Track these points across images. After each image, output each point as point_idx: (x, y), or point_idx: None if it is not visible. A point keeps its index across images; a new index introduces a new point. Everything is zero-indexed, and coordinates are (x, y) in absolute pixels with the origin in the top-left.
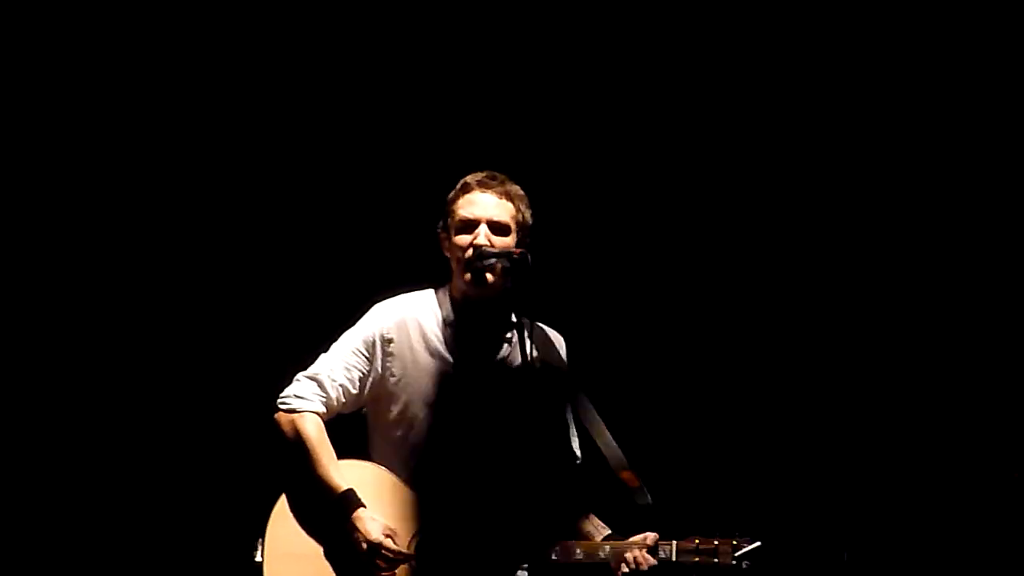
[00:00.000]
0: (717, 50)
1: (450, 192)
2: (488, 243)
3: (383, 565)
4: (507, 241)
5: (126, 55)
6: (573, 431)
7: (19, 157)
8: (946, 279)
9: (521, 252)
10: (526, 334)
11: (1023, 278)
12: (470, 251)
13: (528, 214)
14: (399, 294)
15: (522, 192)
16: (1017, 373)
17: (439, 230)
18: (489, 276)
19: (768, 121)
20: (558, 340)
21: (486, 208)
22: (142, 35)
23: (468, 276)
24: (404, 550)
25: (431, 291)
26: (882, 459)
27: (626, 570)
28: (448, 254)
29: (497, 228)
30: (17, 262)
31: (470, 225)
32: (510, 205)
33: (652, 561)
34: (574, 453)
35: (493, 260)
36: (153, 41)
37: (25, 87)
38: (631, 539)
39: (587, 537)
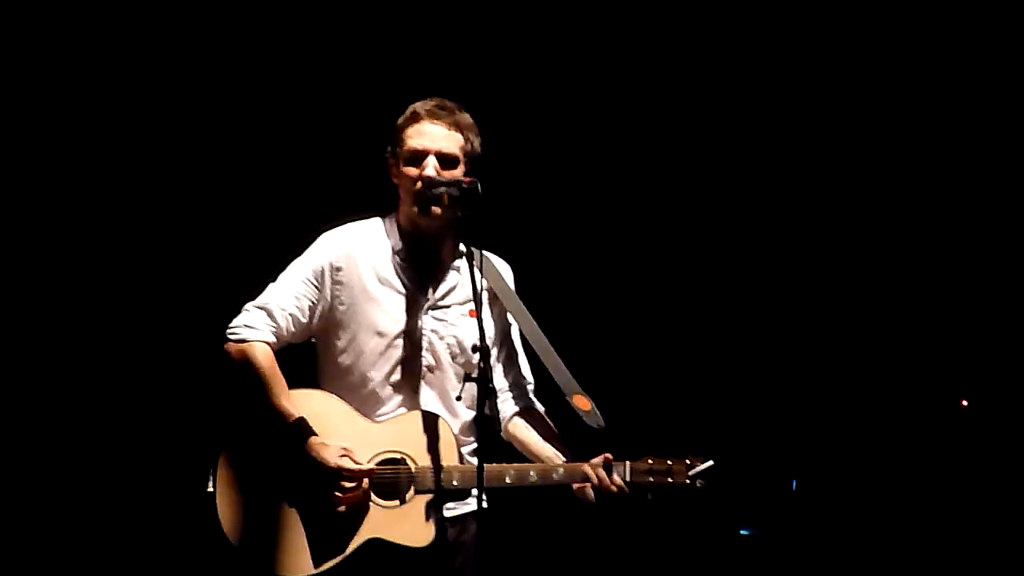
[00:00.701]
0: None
1: (399, 118)
2: (437, 175)
3: (344, 486)
4: (455, 173)
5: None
6: (523, 357)
7: (19, 157)
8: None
9: (471, 182)
10: (476, 263)
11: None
12: (419, 183)
13: (477, 143)
14: (347, 222)
15: (471, 121)
16: (960, 307)
17: (387, 155)
18: (436, 208)
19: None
20: (505, 268)
21: (435, 140)
22: (138, 35)
23: (416, 208)
24: (363, 465)
25: (378, 219)
26: (833, 386)
27: (585, 489)
28: (396, 181)
29: (445, 160)
30: None
31: (419, 156)
32: (459, 137)
33: (607, 481)
34: (524, 378)
35: (442, 189)
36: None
37: (25, 87)
38: (587, 462)
39: (545, 463)
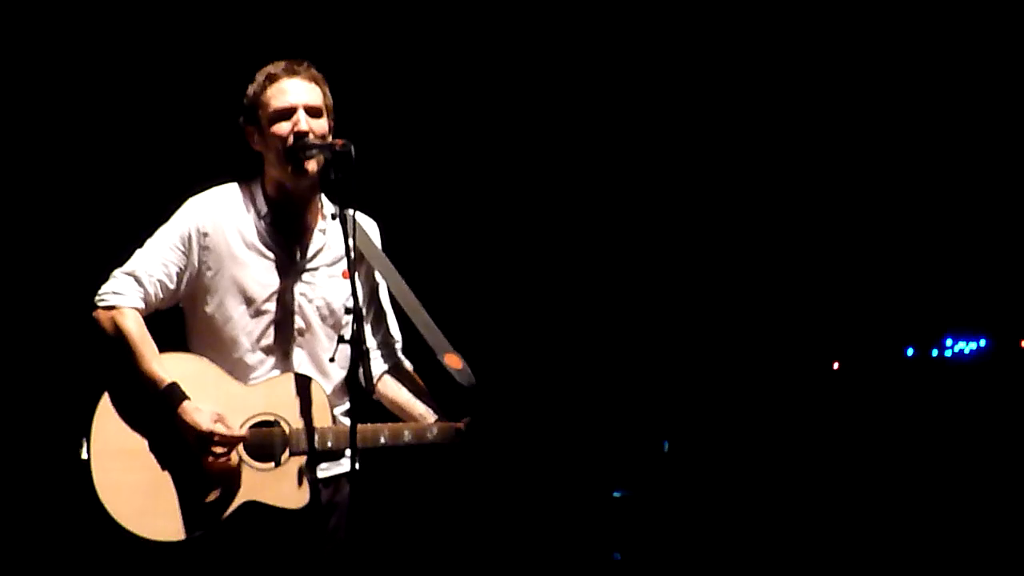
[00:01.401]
0: None
1: (250, 87)
2: (309, 129)
3: (217, 451)
4: (323, 124)
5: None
6: (391, 316)
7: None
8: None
9: (344, 144)
10: (349, 223)
11: None
12: (291, 139)
13: (330, 95)
14: (208, 188)
15: (321, 75)
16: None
17: (245, 125)
18: (310, 165)
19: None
20: (372, 226)
21: (299, 94)
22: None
23: (290, 166)
24: (235, 431)
25: (242, 184)
26: (706, 341)
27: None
28: (259, 148)
29: (312, 111)
30: None
31: (286, 113)
32: (319, 89)
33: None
34: (393, 336)
35: (315, 152)
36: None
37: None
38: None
39: (418, 421)
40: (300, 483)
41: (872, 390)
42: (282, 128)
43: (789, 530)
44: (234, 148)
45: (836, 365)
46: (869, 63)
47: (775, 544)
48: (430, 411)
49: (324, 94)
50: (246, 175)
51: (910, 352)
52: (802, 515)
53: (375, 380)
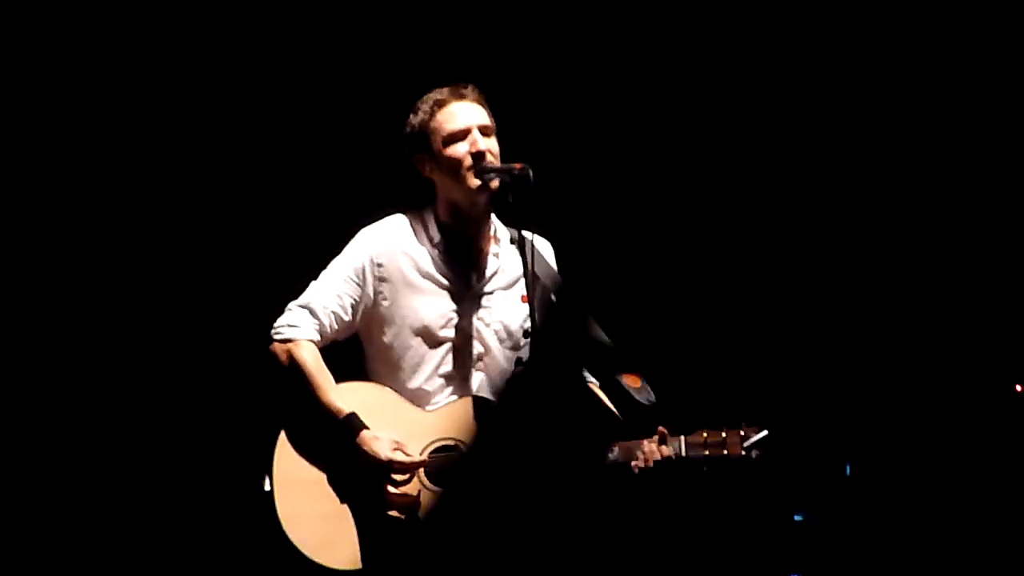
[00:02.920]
0: None
1: (415, 117)
2: (486, 148)
3: (398, 479)
4: (495, 144)
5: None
6: None
7: (19, 157)
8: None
9: (523, 168)
10: (528, 247)
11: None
12: (468, 159)
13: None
14: (377, 220)
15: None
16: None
17: (413, 156)
18: (494, 182)
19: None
20: (547, 247)
21: (471, 115)
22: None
23: (475, 185)
24: (415, 457)
25: (413, 214)
26: (894, 370)
27: (641, 464)
28: (431, 175)
29: (484, 130)
30: None
31: (460, 135)
32: (484, 108)
33: (662, 453)
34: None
35: (493, 175)
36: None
37: (25, 87)
38: (640, 439)
39: None
40: None
41: None
42: (459, 150)
43: (972, 558)
44: (398, 179)
45: (1020, 388)
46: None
47: (954, 571)
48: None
49: (490, 115)
50: (413, 205)
51: None
52: (984, 543)
53: None
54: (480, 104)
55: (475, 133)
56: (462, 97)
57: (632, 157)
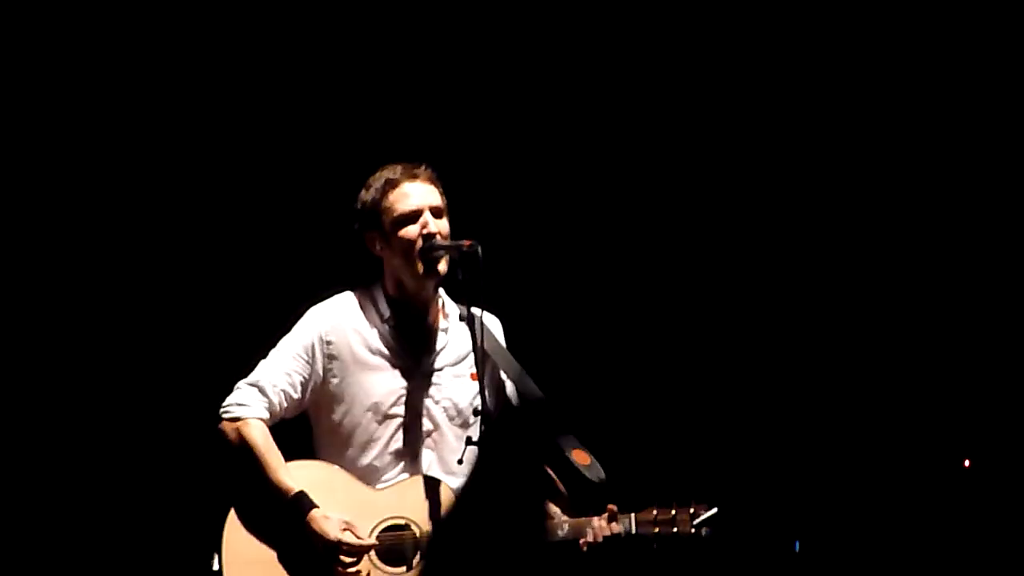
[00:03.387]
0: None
1: (366, 194)
2: (437, 231)
3: (346, 560)
4: (445, 224)
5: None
6: None
7: (19, 157)
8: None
9: (471, 244)
10: (477, 324)
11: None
12: (420, 241)
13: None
14: (329, 296)
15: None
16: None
17: (364, 232)
18: (440, 266)
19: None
20: (496, 324)
21: (423, 196)
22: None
23: (421, 266)
24: (364, 540)
25: (361, 291)
26: (838, 442)
27: (590, 541)
28: (381, 253)
29: (436, 212)
30: None
31: (413, 216)
32: (437, 189)
33: (612, 530)
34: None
35: (441, 252)
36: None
37: (25, 87)
38: (590, 516)
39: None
40: None
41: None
42: (410, 232)
43: None
44: (347, 254)
45: (967, 463)
46: None
47: None
48: (558, 510)
49: (442, 195)
50: (361, 280)
51: None
52: None
53: None
54: (433, 184)
55: (427, 215)
56: (415, 177)
57: (581, 234)
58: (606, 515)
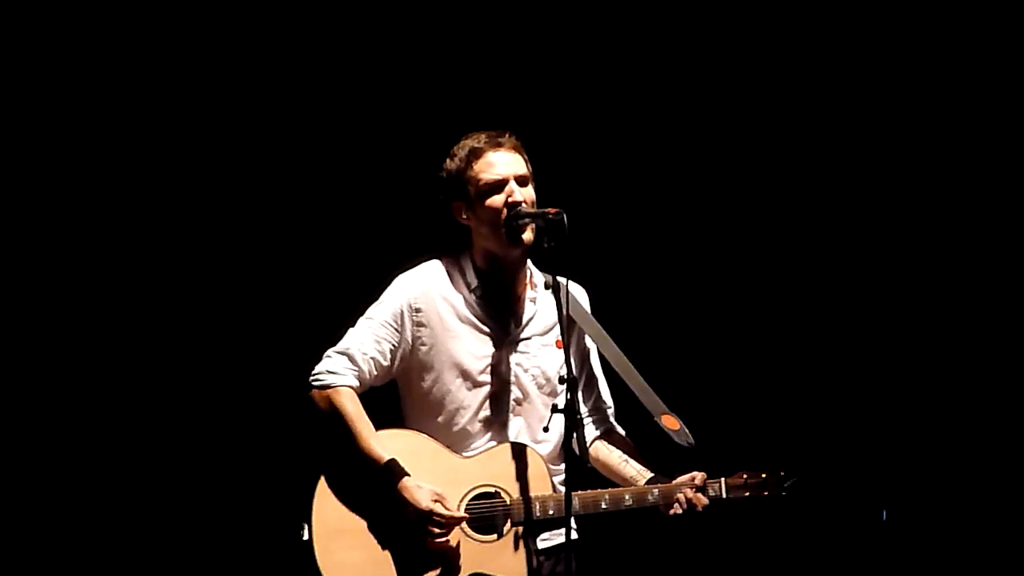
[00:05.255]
0: None
1: (451, 163)
2: (523, 199)
3: (436, 531)
4: (531, 192)
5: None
6: (602, 381)
7: (19, 157)
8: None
9: (557, 212)
10: (562, 292)
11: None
12: (505, 210)
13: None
14: (417, 265)
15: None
16: None
17: (451, 202)
18: (526, 234)
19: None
20: (582, 293)
21: (508, 165)
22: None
23: (507, 235)
24: (455, 512)
25: (449, 259)
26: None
27: (679, 511)
28: (467, 222)
29: (521, 180)
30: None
31: (499, 186)
32: (522, 157)
33: (705, 500)
34: (605, 402)
35: (527, 220)
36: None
37: (25, 87)
38: (678, 480)
39: (631, 482)
40: (524, 554)
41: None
42: (496, 200)
43: None
44: (434, 223)
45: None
46: None
47: None
48: (644, 471)
49: (527, 162)
50: (448, 249)
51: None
52: None
53: (588, 447)
54: (518, 152)
55: (512, 184)
56: (499, 146)
57: (669, 203)
58: (697, 480)
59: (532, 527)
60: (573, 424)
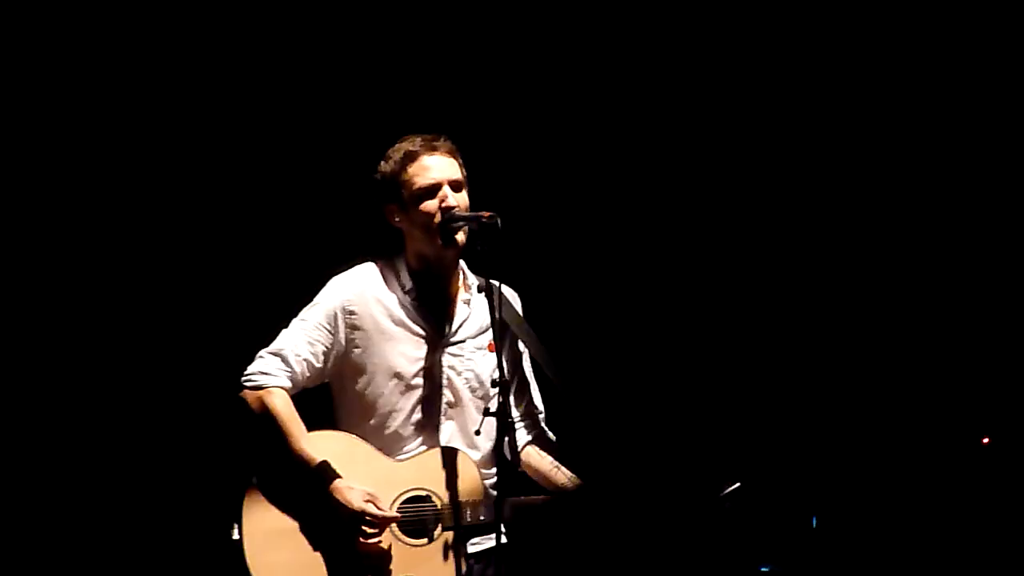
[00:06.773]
0: None
1: (386, 165)
2: (456, 204)
3: (368, 531)
4: (464, 197)
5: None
6: (534, 386)
7: (19, 157)
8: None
9: (491, 216)
10: (495, 295)
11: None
12: (439, 215)
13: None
14: (351, 267)
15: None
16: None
17: (383, 203)
18: (459, 237)
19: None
20: (514, 296)
21: (443, 170)
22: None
23: (440, 240)
24: (387, 512)
25: (383, 261)
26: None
27: None
28: (401, 225)
29: (455, 185)
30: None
31: (432, 190)
32: (456, 161)
33: None
34: (536, 407)
35: (461, 223)
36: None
37: (25, 87)
38: None
39: (561, 490)
40: (454, 558)
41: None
42: (429, 205)
43: None
44: (367, 226)
45: (985, 440)
46: None
47: None
48: (573, 479)
49: (462, 167)
50: (382, 252)
51: None
52: None
53: (520, 451)
54: (452, 157)
55: (446, 188)
56: (434, 150)
57: (602, 208)
58: None
59: (462, 532)
60: (505, 428)
